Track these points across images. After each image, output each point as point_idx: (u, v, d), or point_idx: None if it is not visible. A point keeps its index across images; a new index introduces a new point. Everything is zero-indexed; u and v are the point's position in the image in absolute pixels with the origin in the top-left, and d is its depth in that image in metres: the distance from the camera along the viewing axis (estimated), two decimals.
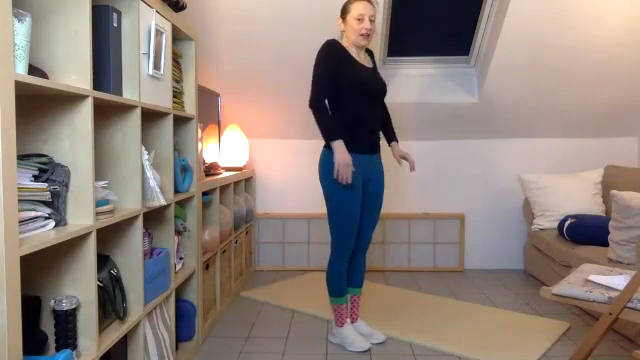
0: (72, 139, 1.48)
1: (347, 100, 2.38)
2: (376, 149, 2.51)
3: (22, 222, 1.29)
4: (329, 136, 2.32)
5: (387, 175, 4.00)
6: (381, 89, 2.49)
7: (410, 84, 3.73)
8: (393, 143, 2.63)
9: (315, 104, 2.33)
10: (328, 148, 2.44)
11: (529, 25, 3.13)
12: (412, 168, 2.59)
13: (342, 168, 2.29)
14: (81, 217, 1.48)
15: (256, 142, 4.07)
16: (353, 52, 2.42)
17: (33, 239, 1.26)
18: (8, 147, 1.10)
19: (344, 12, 2.42)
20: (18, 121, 1.47)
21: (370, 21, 2.37)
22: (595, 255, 2.83)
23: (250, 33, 3.23)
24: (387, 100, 2.67)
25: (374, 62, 2.58)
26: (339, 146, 2.30)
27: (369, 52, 2.59)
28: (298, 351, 2.48)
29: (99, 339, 1.55)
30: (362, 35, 2.37)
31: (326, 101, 2.39)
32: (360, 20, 2.36)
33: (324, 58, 2.35)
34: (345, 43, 2.44)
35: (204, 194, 2.68)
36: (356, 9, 2.36)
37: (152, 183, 1.87)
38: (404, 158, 2.59)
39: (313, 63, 2.38)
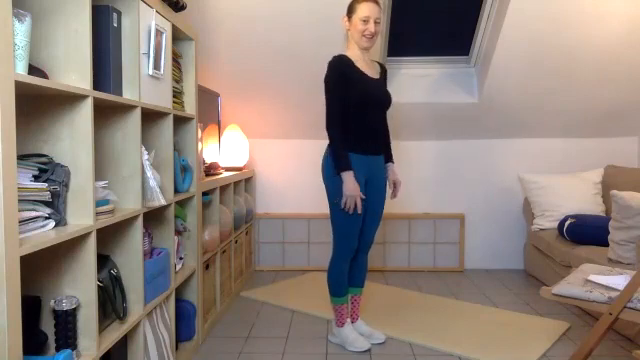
0: (72, 139, 1.48)
1: (349, 109, 2.39)
2: (379, 151, 2.51)
3: (22, 222, 1.29)
4: (340, 167, 2.34)
5: None
6: (385, 100, 2.49)
7: (410, 84, 3.73)
8: (389, 164, 2.64)
9: (331, 129, 2.35)
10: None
11: (529, 25, 3.13)
12: (393, 196, 2.64)
13: (350, 200, 2.33)
14: (81, 217, 1.48)
15: (256, 142, 4.07)
16: (358, 61, 2.42)
17: (33, 239, 1.26)
18: (8, 147, 1.10)
19: (350, 11, 2.41)
20: (18, 121, 1.47)
21: (375, 23, 2.37)
22: (595, 255, 2.83)
23: (250, 33, 3.23)
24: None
25: (384, 76, 2.57)
26: (348, 178, 2.32)
27: (381, 66, 2.59)
28: (298, 351, 2.48)
29: (99, 339, 1.55)
30: (365, 37, 2.38)
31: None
32: (365, 22, 2.36)
33: (332, 80, 2.36)
34: (350, 45, 2.45)
35: (204, 194, 2.68)
36: (362, 10, 2.36)
37: (152, 183, 1.87)
38: (394, 183, 2.62)
39: (315, 64, 2.39)
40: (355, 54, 2.43)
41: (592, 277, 2.04)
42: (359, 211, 2.35)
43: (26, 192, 1.32)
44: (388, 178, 2.62)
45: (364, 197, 2.39)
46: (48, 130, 1.48)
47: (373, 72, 2.48)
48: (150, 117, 2.12)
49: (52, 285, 1.50)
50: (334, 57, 2.40)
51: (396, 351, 2.47)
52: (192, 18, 3.12)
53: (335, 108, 2.35)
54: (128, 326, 1.71)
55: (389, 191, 2.63)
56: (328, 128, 2.36)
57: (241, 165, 3.71)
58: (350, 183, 2.32)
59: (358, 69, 2.40)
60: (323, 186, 2.52)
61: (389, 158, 2.65)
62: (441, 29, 3.67)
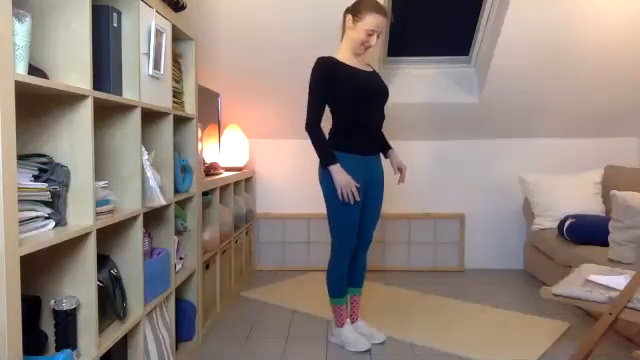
0: (72, 139, 1.48)
1: (347, 105, 2.38)
2: (377, 150, 2.51)
3: (22, 222, 1.28)
4: (325, 162, 2.34)
5: (387, 175, 3.99)
6: (382, 91, 2.47)
7: (410, 84, 3.73)
8: (390, 151, 2.63)
9: (310, 127, 2.37)
10: None
11: (529, 25, 3.13)
12: (401, 181, 2.61)
13: (345, 190, 2.31)
14: (81, 217, 1.48)
15: (256, 142, 4.07)
16: (347, 59, 2.40)
17: (33, 239, 1.26)
18: (8, 147, 1.10)
19: (358, 13, 2.34)
20: (18, 121, 1.47)
21: (378, 37, 2.36)
22: (595, 255, 2.83)
23: (250, 33, 3.23)
24: (388, 100, 2.66)
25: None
26: (337, 170, 2.31)
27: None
28: (298, 351, 2.48)
29: (99, 339, 1.55)
30: (364, 46, 2.38)
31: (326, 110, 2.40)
32: (370, 35, 2.34)
33: (316, 79, 2.36)
34: (342, 47, 2.44)
35: (204, 194, 2.68)
36: (371, 22, 2.32)
37: (152, 183, 1.87)
38: (399, 168, 2.60)
39: (313, 64, 2.39)
40: (345, 56, 2.41)
41: (592, 277, 2.04)
42: (357, 198, 2.32)
43: (26, 192, 1.32)
44: (392, 164, 2.60)
45: (358, 185, 2.34)
46: (48, 130, 1.48)
47: (366, 67, 2.48)
48: (150, 117, 2.12)
49: (52, 285, 1.50)
50: (319, 58, 2.38)
51: (396, 351, 2.47)
52: (192, 18, 3.12)
53: (317, 109, 2.36)
54: (128, 326, 1.71)
55: (397, 177, 2.62)
56: (308, 127, 2.37)
57: (241, 165, 3.71)
58: (340, 175, 2.31)
59: (348, 66, 2.39)
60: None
61: (388, 145, 2.63)
62: (441, 29, 3.67)
